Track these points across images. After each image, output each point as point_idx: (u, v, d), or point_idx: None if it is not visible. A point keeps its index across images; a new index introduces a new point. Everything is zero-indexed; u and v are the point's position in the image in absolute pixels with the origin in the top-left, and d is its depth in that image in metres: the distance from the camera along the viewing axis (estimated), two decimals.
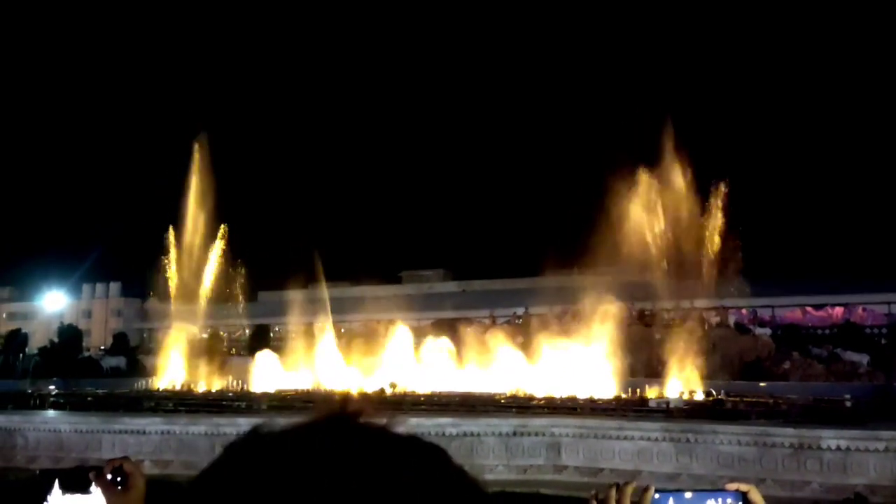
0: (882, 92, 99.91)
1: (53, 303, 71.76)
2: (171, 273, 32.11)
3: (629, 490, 1.79)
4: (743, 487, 1.85)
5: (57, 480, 1.89)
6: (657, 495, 1.78)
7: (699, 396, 21.99)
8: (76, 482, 1.90)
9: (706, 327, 30.83)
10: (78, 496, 1.90)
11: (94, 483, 1.90)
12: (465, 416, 14.63)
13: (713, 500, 1.83)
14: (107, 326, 71.13)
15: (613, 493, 1.79)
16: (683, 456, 12.78)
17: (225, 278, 33.30)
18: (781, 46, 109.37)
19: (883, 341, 38.16)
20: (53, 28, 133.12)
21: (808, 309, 47.31)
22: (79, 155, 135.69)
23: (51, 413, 16.05)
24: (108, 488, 1.88)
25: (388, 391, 24.25)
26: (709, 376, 24.81)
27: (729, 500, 1.83)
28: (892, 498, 11.68)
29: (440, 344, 30.15)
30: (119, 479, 1.90)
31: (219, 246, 32.83)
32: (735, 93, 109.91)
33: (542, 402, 20.73)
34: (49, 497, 1.89)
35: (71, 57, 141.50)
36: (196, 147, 31.41)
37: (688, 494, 1.83)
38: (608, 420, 13.99)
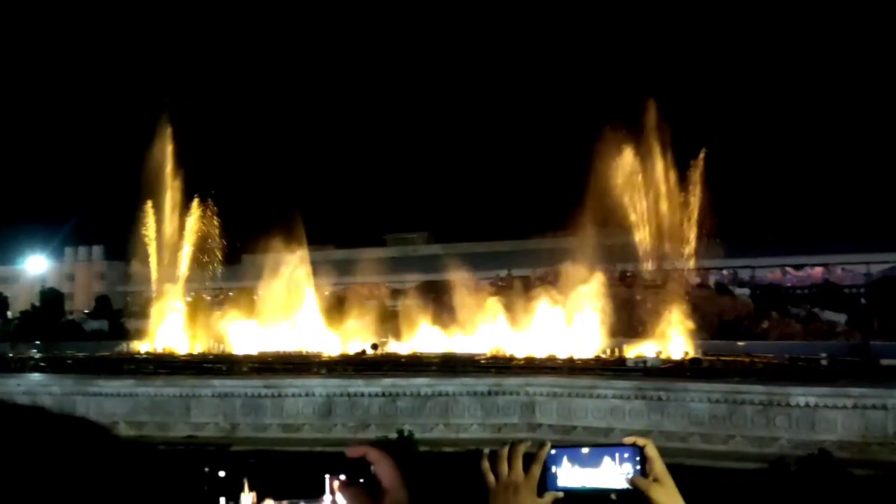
0: (860, 54, 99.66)
1: (35, 266, 71.34)
2: (153, 236, 31.96)
3: (521, 448, 1.77)
4: (640, 442, 1.83)
5: (246, 481, 1.36)
6: (553, 451, 1.75)
7: (677, 356, 22.20)
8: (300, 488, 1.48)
9: (686, 288, 31.01)
10: None
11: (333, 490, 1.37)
12: (440, 376, 14.73)
13: (609, 455, 1.80)
14: (90, 290, 70.86)
15: (506, 450, 1.77)
16: (655, 413, 12.95)
17: (208, 241, 33.14)
18: (758, 19, 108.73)
19: (862, 301, 38.56)
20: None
21: (788, 269, 47.71)
22: (60, 117, 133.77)
23: (25, 375, 16.04)
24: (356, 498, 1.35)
25: (370, 352, 24.37)
26: (688, 336, 25.03)
27: (626, 455, 1.81)
28: (860, 454, 11.88)
29: (423, 306, 30.27)
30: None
31: (202, 209, 32.65)
32: (714, 61, 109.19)
33: (522, 362, 20.88)
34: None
35: (52, 25, 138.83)
36: (166, 110, 31.12)
37: (584, 450, 1.80)
38: (581, 379, 14.12)
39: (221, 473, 1.39)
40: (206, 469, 1.45)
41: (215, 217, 32.87)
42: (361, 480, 1.30)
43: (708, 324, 29.51)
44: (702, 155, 29.43)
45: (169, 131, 31.07)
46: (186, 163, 31.76)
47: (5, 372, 18.09)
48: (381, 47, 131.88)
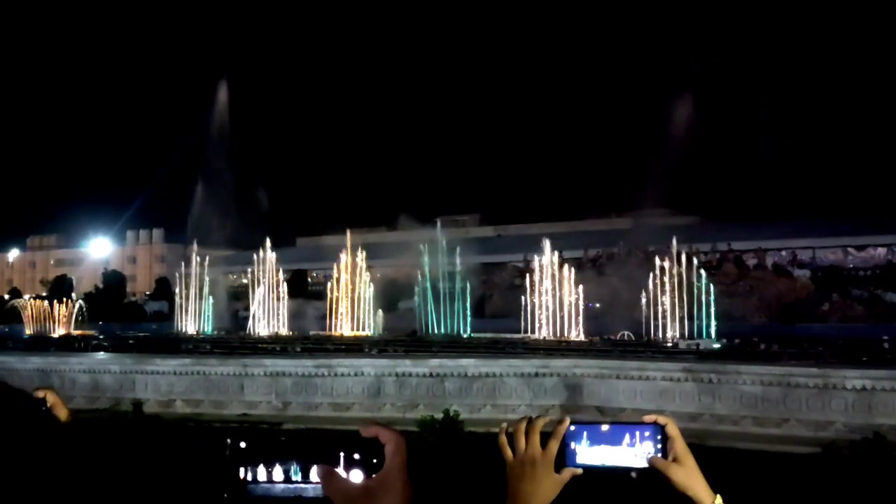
0: None
1: (99, 249, 73.48)
2: (208, 219, 32.62)
3: (540, 423, 1.77)
4: (661, 420, 1.81)
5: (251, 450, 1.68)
6: (572, 427, 1.75)
7: (732, 339, 21.87)
8: None
9: (742, 269, 30.43)
10: None
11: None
12: (487, 357, 14.75)
13: (629, 433, 1.79)
14: (151, 272, 72.75)
15: (524, 425, 1.77)
16: (706, 396, 12.73)
17: (263, 224, 33.74)
18: None
19: None
20: None
21: (850, 250, 46.26)
22: (123, 104, 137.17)
23: (86, 355, 16.59)
24: None
25: (420, 333, 24.65)
26: (745, 318, 24.60)
27: (647, 434, 1.79)
28: None
29: (475, 288, 30.35)
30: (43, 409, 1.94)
31: (256, 193, 33.26)
32: (775, 34, 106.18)
33: (572, 344, 20.90)
34: None
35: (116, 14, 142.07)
36: (220, 93, 31.68)
37: (604, 427, 1.79)
38: (629, 361, 13.96)
39: (242, 444, 1.42)
40: (229, 440, 1.48)
41: (269, 201, 33.45)
42: (374, 461, 1.32)
43: (766, 305, 28.95)
44: (760, 134, 28.82)
45: (225, 118, 31.68)
46: (242, 147, 32.39)
47: (69, 351, 18.74)
48: (433, 28, 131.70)
